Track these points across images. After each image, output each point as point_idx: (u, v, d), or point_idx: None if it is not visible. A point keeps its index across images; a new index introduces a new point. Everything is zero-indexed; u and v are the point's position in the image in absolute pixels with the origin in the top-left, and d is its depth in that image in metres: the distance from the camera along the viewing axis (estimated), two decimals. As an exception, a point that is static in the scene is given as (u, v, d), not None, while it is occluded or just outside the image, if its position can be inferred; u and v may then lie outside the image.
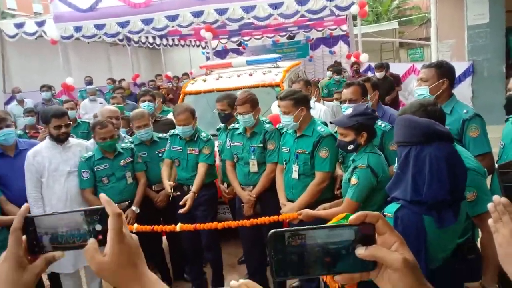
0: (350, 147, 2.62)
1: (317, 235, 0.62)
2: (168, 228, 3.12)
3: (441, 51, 8.27)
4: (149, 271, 0.74)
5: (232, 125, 3.75)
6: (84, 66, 13.32)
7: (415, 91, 2.89)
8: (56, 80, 10.54)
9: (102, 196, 0.72)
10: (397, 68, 9.28)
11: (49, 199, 3.36)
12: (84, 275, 3.74)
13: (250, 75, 5.46)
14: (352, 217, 0.63)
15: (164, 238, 4.21)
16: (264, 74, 5.43)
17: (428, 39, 11.92)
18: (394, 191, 1.77)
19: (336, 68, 8.99)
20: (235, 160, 3.61)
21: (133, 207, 3.59)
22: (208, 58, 13.21)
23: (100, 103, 7.73)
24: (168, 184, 3.61)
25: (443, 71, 2.80)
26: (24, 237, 0.72)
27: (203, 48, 15.62)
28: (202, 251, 3.77)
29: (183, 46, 16.60)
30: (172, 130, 3.83)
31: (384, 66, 8.14)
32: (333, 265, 0.63)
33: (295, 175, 3.14)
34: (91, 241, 0.71)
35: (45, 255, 0.72)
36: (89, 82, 10.01)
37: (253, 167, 3.50)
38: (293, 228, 0.64)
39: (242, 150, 3.56)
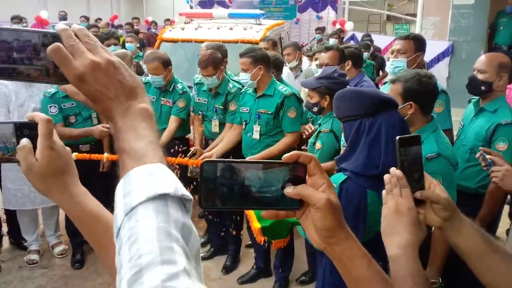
0: (315, 109, 2.63)
1: (250, 169, 0.62)
2: (111, 157, 3.09)
3: (424, 27, 8.23)
4: (81, 186, 0.74)
5: (199, 78, 3.53)
6: (60, 1, 12.70)
7: (391, 62, 2.80)
8: (30, 13, 9.99)
9: (31, 114, 0.72)
10: (380, 41, 9.21)
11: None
12: (41, 213, 3.71)
13: (231, 29, 5.32)
14: (286, 155, 0.63)
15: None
16: (245, 29, 5.30)
17: (416, 15, 11.83)
18: (341, 163, 1.77)
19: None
20: (200, 116, 3.56)
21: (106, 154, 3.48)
22: (191, 8, 12.76)
23: (73, 40, 7.41)
24: None
25: (420, 44, 2.77)
26: None
27: (188, -4, 15.03)
28: None
29: (167, -8, 16.00)
30: (145, 77, 3.67)
31: (370, 44, 6.74)
32: (260, 201, 0.64)
33: (256, 135, 3.10)
34: (26, 141, 0.70)
35: None
36: (63, 18, 9.60)
37: (215, 127, 3.46)
38: (227, 159, 0.64)
39: (206, 108, 3.49)
